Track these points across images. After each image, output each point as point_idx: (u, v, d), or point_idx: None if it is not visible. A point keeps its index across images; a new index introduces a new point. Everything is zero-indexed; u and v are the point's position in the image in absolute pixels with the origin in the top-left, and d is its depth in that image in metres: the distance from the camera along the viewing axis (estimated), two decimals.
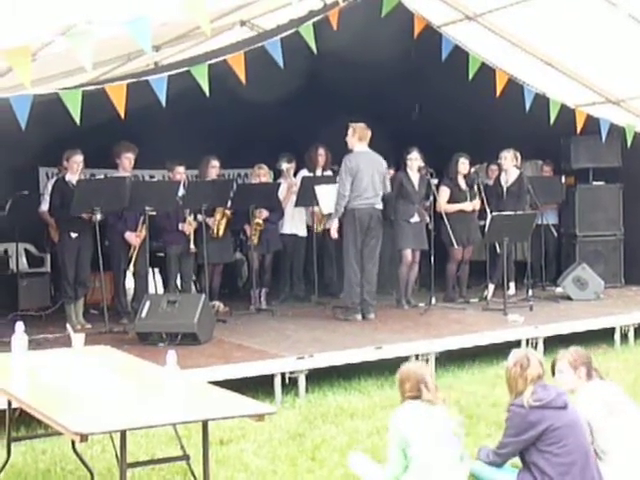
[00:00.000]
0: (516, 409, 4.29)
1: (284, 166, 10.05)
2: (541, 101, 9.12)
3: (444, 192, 9.74)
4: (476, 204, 9.84)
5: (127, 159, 8.77)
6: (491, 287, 9.91)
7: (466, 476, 4.36)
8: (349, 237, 8.65)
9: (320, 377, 6.91)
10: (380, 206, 8.71)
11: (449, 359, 7.52)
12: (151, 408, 3.68)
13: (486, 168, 11.24)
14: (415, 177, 9.52)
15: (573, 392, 4.57)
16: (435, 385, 4.34)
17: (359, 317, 8.63)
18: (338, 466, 4.97)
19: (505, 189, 10.05)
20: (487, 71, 8.83)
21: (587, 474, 4.18)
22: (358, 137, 8.66)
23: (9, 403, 4.57)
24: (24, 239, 9.85)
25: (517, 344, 7.59)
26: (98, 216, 8.04)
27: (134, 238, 8.60)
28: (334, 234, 8.94)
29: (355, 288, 8.64)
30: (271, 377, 6.59)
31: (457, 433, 4.28)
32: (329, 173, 10.12)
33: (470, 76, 8.64)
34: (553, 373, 4.69)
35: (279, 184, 9.85)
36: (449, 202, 9.71)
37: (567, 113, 9.40)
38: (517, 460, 4.42)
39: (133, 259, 8.62)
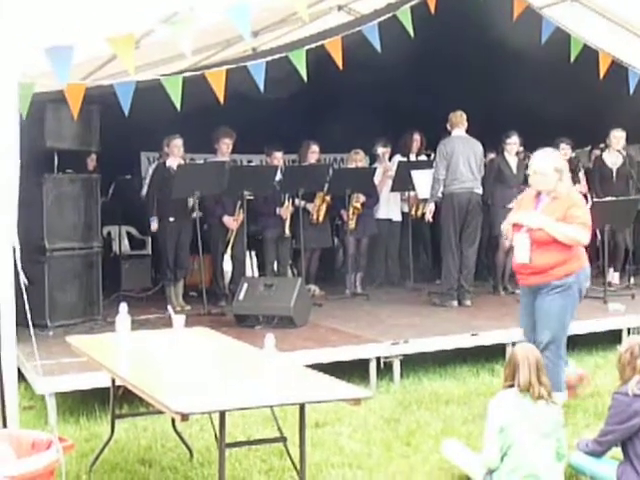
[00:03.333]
0: (620, 397, 4.22)
1: (380, 150, 10.03)
2: None
3: None
4: (580, 189, 9.62)
5: (225, 144, 8.91)
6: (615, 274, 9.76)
7: (562, 474, 4.30)
8: (448, 222, 8.59)
9: (415, 362, 6.89)
10: (480, 190, 8.64)
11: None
12: (249, 390, 3.73)
13: (589, 152, 10.96)
14: (513, 161, 9.39)
15: None
16: (537, 377, 4.20)
17: (455, 303, 8.57)
18: (433, 452, 4.96)
19: (615, 170, 9.78)
20: (589, 53, 8.59)
21: None
22: (453, 123, 8.67)
23: (113, 381, 4.71)
24: (126, 222, 10.14)
25: (617, 333, 7.42)
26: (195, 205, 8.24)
27: (232, 222, 8.73)
28: (429, 218, 8.92)
29: (453, 273, 8.59)
30: (366, 361, 6.61)
31: (556, 430, 4.22)
32: (423, 158, 10.06)
33: (572, 58, 8.42)
34: None
35: (375, 169, 9.84)
36: None
37: None
38: (617, 452, 4.34)
39: (231, 242, 8.76)
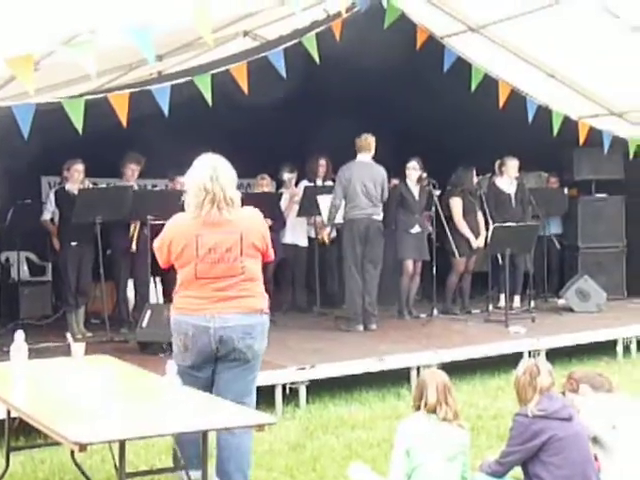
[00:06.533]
0: (520, 418, 4.28)
1: (286, 176, 10.06)
2: (544, 113, 9.12)
3: (458, 203, 9.73)
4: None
5: (130, 169, 8.79)
6: (502, 297, 9.87)
7: None
8: (348, 247, 8.67)
9: (321, 388, 6.88)
10: (379, 217, 8.71)
11: (450, 370, 7.42)
12: (151, 418, 3.66)
13: (489, 179, 11.24)
14: (415, 188, 9.53)
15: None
16: (444, 398, 4.23)
17: (361, 328, 8.61)
18: (338, 477, 4.95)
19: (513, 196, 10.04)
20: (490, 82, 8.83)
21: None
22: (358, 147, 8.76)
23: (8, 412, 4.56)
24: (25, 248, 9.84)
25: (519, 356, 7.57)
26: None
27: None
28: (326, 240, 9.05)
29: (356, 299, 8.63)
30: (272, 387, 6.56)
31: (461, 453, 4.25)
32: (330, 183, 10.12)
33: (472, 87, 8.64)
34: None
35: (281, 194, 9.85)
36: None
37: (570, 125, 9.40)
38: (518, 472, 4.40)
39: (135, 238, 8.55)
